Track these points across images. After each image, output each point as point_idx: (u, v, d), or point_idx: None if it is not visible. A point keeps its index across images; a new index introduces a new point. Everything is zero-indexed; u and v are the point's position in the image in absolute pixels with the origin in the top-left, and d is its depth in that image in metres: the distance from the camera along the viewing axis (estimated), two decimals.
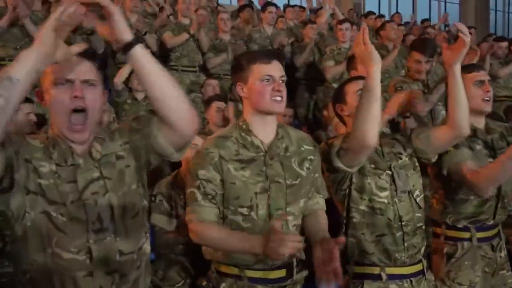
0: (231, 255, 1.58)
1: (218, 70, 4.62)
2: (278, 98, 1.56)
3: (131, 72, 3.77)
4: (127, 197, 1.30)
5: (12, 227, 1.22)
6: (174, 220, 2.31)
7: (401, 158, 1.83)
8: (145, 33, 4.40)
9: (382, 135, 1.72)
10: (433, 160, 1.87)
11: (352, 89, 1.81)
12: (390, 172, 1.78)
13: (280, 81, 1.58)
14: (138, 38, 1.16)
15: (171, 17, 5.01)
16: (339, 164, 1.67)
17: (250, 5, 5.97)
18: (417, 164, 1.86)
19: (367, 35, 1.54)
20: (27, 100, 3.13)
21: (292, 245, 1.33)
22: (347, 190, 1.78)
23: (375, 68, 1.53)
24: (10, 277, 2.13)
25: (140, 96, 3.95)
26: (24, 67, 1.06)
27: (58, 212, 1.21)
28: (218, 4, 6.57)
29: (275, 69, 1.58)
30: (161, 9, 5.31)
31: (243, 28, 5.35)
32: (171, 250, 2.33)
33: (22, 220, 1.21)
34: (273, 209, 1.56)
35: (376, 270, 1.77)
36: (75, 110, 1.24)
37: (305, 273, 1.69)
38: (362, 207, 1.77)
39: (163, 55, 4.46)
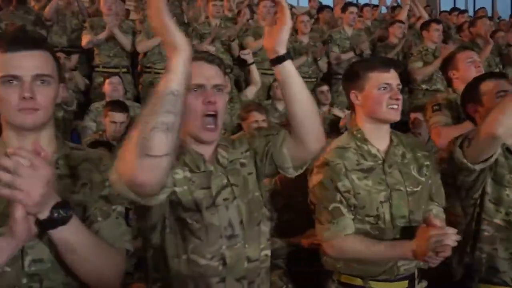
0: (356, 266, 1.55)
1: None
2: (395, 106, 1.55)
3: None
4: (251, 204, 1.32)
5: (147, 236, 1.26)
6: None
7: None
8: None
9: None
10: None
11: (492, 89, 1.69)
12: None
13: (397, 89, 1.56)
14: (289, 54, 1.20)
15: (250, 21, 5.06)
16: (461, 158, 1.57)
17: (327, 5, 5.90)
18: None
19: None
20: (124, 109, 3.33)
21: (454, 237, 1.30)
22: (479, 200, 1.67)
23: None
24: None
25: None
26: (180, 77, 1.01)
27: (193, 218, 1.24)
28: (292, 6, 6.55)
29: (393, 77, 1.57)
30: (239, 13, 5.39)
31: (322, 29, 5.28)
32: None
33: (160, 228, 1.24)
34: (397, 218, 1.53)
35: None
36: (207, 115, 1.27)
37: (424, 283, 1.63)
38: (497, 221, 1.65)
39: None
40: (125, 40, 4.29)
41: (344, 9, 4.95)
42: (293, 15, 5.33)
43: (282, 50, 1.20)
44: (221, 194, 1.27)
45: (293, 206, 2.27)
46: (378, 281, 1.54)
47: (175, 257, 1.24)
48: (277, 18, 1.19)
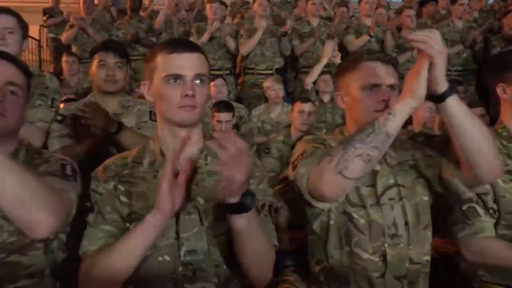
0: (504, 274, 1.44)
1: (401, 70, 4.43)
2: None
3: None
4: (419, 207, 1.31)
5: (308, 222, 1.34)
6: None
7: None
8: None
9: None
10: None
11: None
12: None
13: None
14: (452, 89, 1.12)
15: (352, 18, 4.97)
16: None
17: None
18: None
19: None
20: (229, 109, 3.44)
21: None
22: None
23: None
24: None
25: (326, 98, 3.98)
26: (400, 122, 1.14)
27: (358, 214, 1.27)
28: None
29: None
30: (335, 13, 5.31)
31: (426, 24, 5.01)
32: None
33: (323, 217, 1.30)
34: None
35: None
36: (376, 110, 1.28)
37: None
38: None
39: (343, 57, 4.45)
40: (232, 44, 4.45)
41: (453, 0, 4.64)
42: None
43: (440, 88, 1.12)
44: (386, 194, 1.29)
45: None
46: None
47: (338, 248, 1.29)
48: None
